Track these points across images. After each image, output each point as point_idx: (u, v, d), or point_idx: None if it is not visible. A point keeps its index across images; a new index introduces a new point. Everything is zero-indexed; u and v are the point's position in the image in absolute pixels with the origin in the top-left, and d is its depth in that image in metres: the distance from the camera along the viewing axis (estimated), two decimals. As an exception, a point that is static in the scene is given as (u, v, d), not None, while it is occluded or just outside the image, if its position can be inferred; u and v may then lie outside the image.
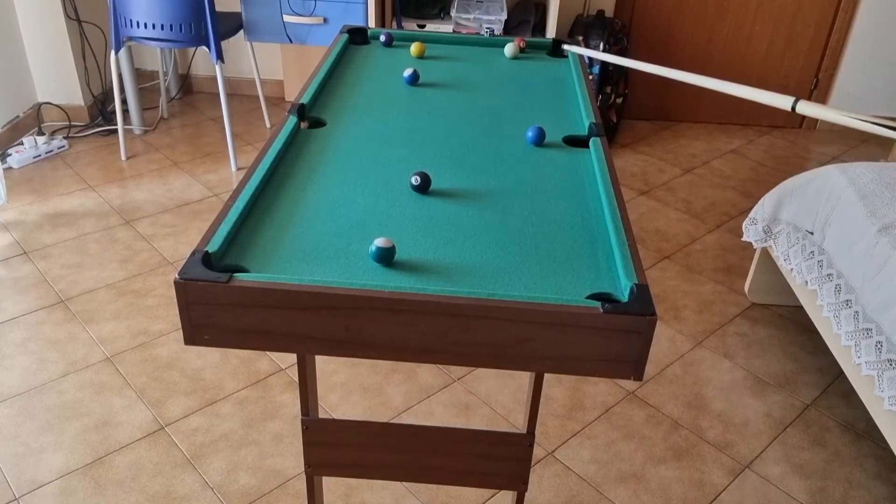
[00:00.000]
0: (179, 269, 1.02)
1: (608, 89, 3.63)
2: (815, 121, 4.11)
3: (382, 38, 1.99)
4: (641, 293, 1.02)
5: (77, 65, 3.57)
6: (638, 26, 3.88)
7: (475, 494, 1.88)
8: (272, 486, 1.87)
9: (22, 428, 2.01)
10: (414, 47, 1.91)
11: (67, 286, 2.57)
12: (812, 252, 2.22)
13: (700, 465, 2.01)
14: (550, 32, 3.32)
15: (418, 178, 1.29)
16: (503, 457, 1.41)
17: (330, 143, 1.46)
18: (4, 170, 3.24)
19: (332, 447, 1.42)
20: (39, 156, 3.41)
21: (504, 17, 3.32)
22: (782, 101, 1.16)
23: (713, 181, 3.52)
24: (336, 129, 1.52)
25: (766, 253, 2.58)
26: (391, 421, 2.08)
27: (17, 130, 3.50)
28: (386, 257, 1.10)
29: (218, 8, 3.23)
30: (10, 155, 3.32)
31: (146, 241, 2.85)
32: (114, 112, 3.65)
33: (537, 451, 2.01)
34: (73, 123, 3.67)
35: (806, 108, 1.12)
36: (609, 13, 3.83)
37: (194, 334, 1.05)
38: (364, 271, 1.09)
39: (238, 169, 3.41)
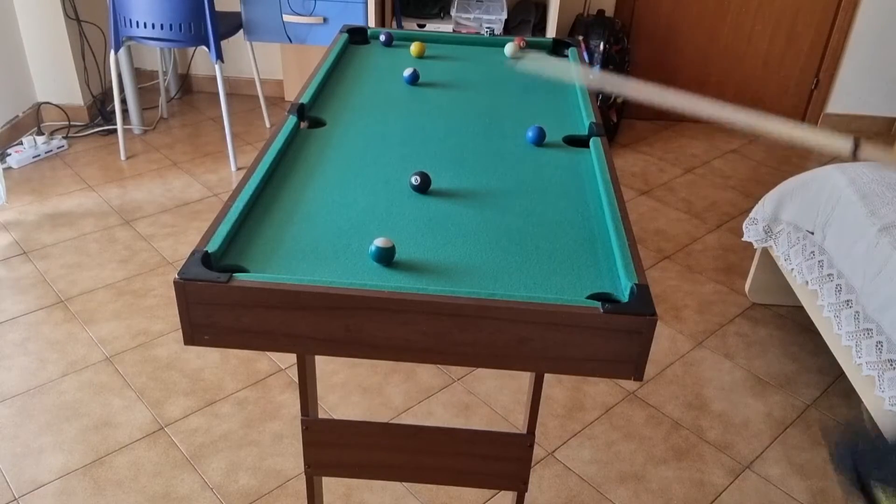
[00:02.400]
0: (179, 269, 1.02)
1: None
2: (815, 121, 4.11)
3: (382, 37, 1.99)
4: (642, 293, 1.02)
5: (76, 64, 3.57)
6: (638, 26, 3.88)
7: (475, 494, 1.87)
8: (272, 487, 1.87)
9: (21, 428, 2.01)
10: (414, 47, 1.91)
11: (67, 286, 2.57)
12: (812, 252, 2.21)
13: (700, 465, 2.00)
14: (551, 32, 3.31)
15: (418, 178, 1.28)
16: (503, 457, 1.41)
17: (330, 142, 1.46)
18: (4, 170, 3.24)
19: (332, 447, 1.42)
20: (39, 156, 3.41)
21: (504, 16, 3.31)
22: (842, 144, 1.13)
23: (713, 181, 3.52)
24: (336, 129, 1.52)
25: (766, 253, 2.58)
26: (391, 421, 2.08)
27: (16, 130, 3.49)
28: (386, 257, 1.09)
29: (218, 7, 3.22)
30: (10, 155, 3.32)
31: (146, 241, 2.85)
32: (113, 112, 3.65)
33: (537, 452, 2.01)
34: (72, 123, 3.67)
35: (869, 152, 1.10)
36: (609, 13, 3.83)
37: (194, 334, 1.04)
38: (364, 271, 1.08)
39: (238, 169, 3.41)
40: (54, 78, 3.58)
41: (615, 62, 3.59)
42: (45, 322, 2.40)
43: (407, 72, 1.74)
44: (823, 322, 2.13)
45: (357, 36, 2.00)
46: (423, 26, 3.34)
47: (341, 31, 1.99)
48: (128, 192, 3.19)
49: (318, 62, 1.78)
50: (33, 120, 3.61)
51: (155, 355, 2.29)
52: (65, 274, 2.63)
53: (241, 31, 3.41)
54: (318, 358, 2.30)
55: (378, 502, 1.84)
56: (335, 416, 2.09)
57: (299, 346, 1.06)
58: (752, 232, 2.52)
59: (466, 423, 2.09)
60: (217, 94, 3.38)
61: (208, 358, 2.28)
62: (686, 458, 2.02)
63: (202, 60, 4.12)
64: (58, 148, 3.48)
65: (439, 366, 2.28)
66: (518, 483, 1.45)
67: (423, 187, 1.29)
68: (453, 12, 3.32)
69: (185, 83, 4.18)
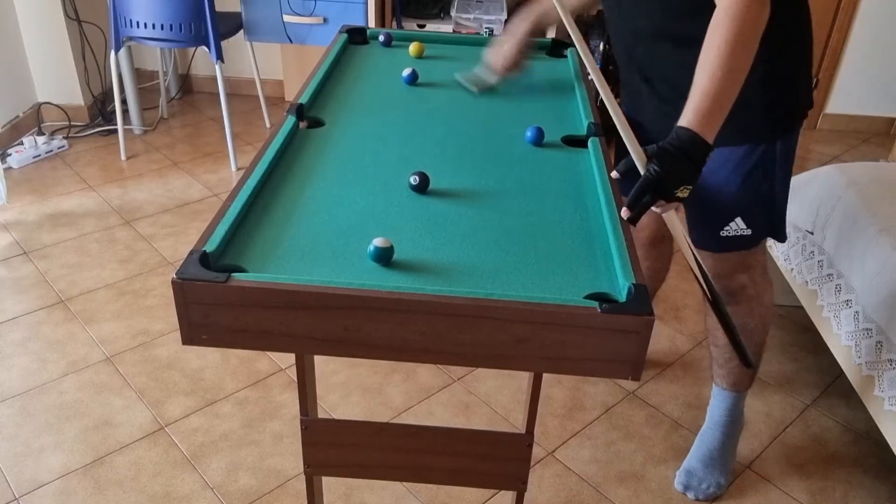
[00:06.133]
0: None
1: (608, 89, 3.63)
2: (815, 121, 4.11)
3: (381, 38, 1.99)
4: (639, 293, 1.02)
5: (77, 65, 3.57)
6: (638, 26, 3.87)
7: (475, 494, 1.87)
8: (272, 486, 1.87)
9: (22, 428, 2.01)
10: (413, 47, 1.91)
11: (67, 286, 2.57)
12: (812, 252, 2.21)
13: (700, 464, 2.00)
14: (550, 32, 3.31)
15: (417, 178, 1.29)
16: (503, 457, 1.41)
17: (329, 142, 1.46)
18: (4, 170, 3.24)
19: (332, 447, 1.42)
20: (39, 156, 3.41)
21: (504, 16, 3.31)
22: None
23: (713, 181, 3.51)
24: (335, 129, 1.52)
25: (766, 253, 2.57)
26: (391, 421, 2.08)
27: (16, 130, 3.50)
28: (384, 257, 1.10)
29: (218, 8, 3.22)
30: (10, 155, 3.33)
31: (146, 241, 2.85)
32: (114, 112, 3.64)
33: (537, 451, 2.01)
34: (72, 123, 3.67)
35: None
36: (609, 13, 3.82)
37: (192, 334, 1.05)
38: (362, 271, 1.09)
39: (238, 169, 3.41)
40: (54, 78, 3.58)
41: (615, 62, 3.59)
42: (45, 322, 2.40)
43: (406, 72, 1.74)
44: (823, 322, 2.13)
45: (356, 36, 2.00)
46: (423, 26, 3.35)
47: (341, 32, 1.99)
48: (128, 192, 3.19)
49: (317, 62, 1.78)
50: (34, 120, 3.61)
51: (155, 355, 2.29)
52: (65, 274, 2.64)
53: (242, 32, 3.41)
54: (318, 358, 2.30)
55: (378, 502, 1.84)
56: (335, 416, 2.10)
57: (298, 346, 1.07)
58: (751, 232, 2.51)
59: (466, 423, 2.09)
60: (217, 94, 3.39)
61: (208, 358, 2.28)
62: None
63: (202, 60, 4.12)
64: (58, 148, 3.48)
65: (439, 366, 2.29)
66: (518, 483, 1.45)
67: (422, 187, 1.29)
68: (453, 12, 3.32)
69: (186, 83, 4.18)
